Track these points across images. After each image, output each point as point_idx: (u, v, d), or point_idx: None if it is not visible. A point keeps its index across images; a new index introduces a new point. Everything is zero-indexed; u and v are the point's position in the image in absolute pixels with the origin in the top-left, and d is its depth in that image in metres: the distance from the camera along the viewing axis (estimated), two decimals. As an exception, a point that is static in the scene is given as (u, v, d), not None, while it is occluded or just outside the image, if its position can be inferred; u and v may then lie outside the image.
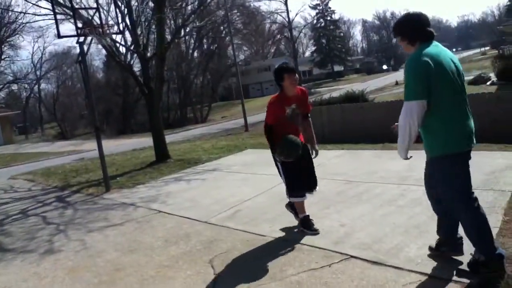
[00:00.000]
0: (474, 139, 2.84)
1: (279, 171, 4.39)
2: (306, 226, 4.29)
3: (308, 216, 4.34)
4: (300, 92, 4.28)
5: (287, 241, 4.14)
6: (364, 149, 8.51)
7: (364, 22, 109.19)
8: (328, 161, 7.67)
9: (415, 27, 2.84)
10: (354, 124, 10.47)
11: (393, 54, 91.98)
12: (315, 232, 4.21)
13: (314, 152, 4.42)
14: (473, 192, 2.87)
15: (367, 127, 10.07)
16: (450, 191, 2.90)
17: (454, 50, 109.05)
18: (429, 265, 3.19)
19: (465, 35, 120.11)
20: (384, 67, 79.19)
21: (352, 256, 3.55)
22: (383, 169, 6.52)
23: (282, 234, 4.36)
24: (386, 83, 41.90)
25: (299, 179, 4.27)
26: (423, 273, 3.10)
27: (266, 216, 5.04)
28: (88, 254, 4.69)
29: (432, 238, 3.65)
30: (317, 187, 4.42)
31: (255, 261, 3.81)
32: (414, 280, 3.02)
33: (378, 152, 8.09)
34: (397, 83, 39.17)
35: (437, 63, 2.68)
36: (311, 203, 5.18)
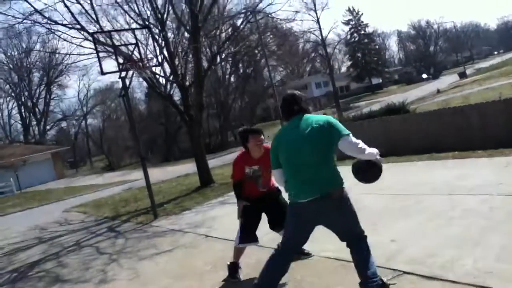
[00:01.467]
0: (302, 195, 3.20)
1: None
2: (231, 272, 4.27)
3: (238, 264, 4.32)
4: (266, 151, 4.12)
5: (336, 260, 4.08)
6: (410, 161, 8.29)
7: (399, 32, 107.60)
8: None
9: (282, 109, 3.45)
10: (397, 136, 10.23)
11: (432, 62, 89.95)
12: (235, 280, 4.21)
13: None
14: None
15: (411, 138, 9.84)
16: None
17: (496, 53, 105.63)
18: (488, 278, 3.04)
19: (506, 36, 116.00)
20: (424, 76, 77.34)
21: (405, 272, 3.45)
22: (431, 180, 6.32)
23: (331, 253, 4.28)
24: (427, 92, 40.89)
25: (254, 226, 4.34)
26: (482, 286, 2.96)
27: (315, 235, 4.97)
28: (141, 282, 4.79)
29: (488, 249, 3.50)
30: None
31: (305, 281, 3.77)
32: None
33: (424, 162, 7.86)
34: (438, 91, 38.09)
35: (278, 141, 3.34)
36: (359, 219, 5.10)
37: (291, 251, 3.47)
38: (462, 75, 52.82)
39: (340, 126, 3.13)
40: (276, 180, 3.50)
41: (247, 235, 4.29)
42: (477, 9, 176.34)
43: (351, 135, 3.07)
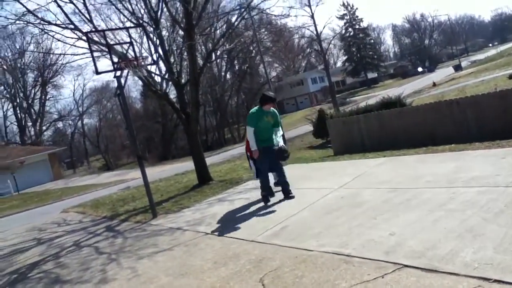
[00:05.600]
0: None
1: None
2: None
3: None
4: None
5: (336, 255, 4.08)
6: (407, 155, 8.30)
7: (394, 26, 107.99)
8: (370, 170, 7.53)
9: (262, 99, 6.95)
10: (393, 130, 10.26)
11: (427, 56, 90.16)
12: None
13: None
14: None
15: (408, 131, 9.86)
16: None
17: (490, 45, 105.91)
18: (488, 269, 3.05)
19: (500, 28, 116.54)
20: (419, 69, 77.62)
21: (405, 265, 3.45)
22: (429, 173, 6.33)
23: (330, 248, 4.29)
24: (423, 86, 40.99)
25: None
26: (482, 277, 2.96)
27: (312, 231, 4.98)
28: (140, 281, 4.78)
29: (488, 240, 3.51)
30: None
31: (306, 277, 3.77)
32: (474, 286, 2.89)
33: (422, 156, 7.87)
34: (434, 84, 38.19)
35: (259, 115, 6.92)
36: (357, 214, 5.11)
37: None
38: (457, 67, 53.08)
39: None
40: (250, 132, 6.82)
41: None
42: (471, 2, 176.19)
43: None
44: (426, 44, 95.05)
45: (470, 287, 2.89)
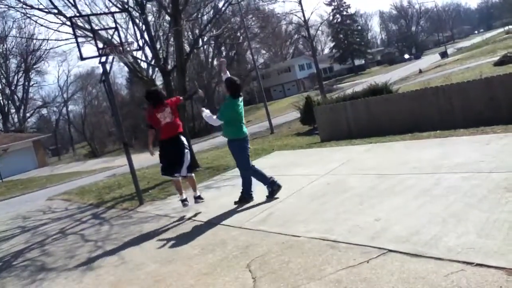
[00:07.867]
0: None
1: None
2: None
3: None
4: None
5: (322, 240, 4.11)
6: (393, 141, 8.37)
7: (381, 13, 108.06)
8: (356, 156, 7.58)
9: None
10: (380, 116, 10.31)
11: (414, 43, 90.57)
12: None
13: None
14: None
15: (394, 118, 9.92)
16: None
17: (476, 32, 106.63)
18: (470, 253, 3.10)
19: (486, 15, 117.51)
20: (406, 56, 78.00)
21: (390, 250, 3.49)
22: (415, 159, 6.39)
23: (317, 234, 4.32)
24: (409, 72, 41.23)
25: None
26: (465, 262, 3.01)
27: (299, 217, 5.01)
28: (128, 268, 4.77)
29: (471, 225, 3.57)
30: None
31: (292, 262, 3.80)
32: (456, 270, 2.94)
33: (407, 142, 7.94)
34: (420, 71, 38.44)
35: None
36: (343, 200, 5.15)
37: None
38: (444, 54, 53.41)
39: None
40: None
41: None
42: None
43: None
44: (413, 31, 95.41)
45: (453, 271, 2.94)
